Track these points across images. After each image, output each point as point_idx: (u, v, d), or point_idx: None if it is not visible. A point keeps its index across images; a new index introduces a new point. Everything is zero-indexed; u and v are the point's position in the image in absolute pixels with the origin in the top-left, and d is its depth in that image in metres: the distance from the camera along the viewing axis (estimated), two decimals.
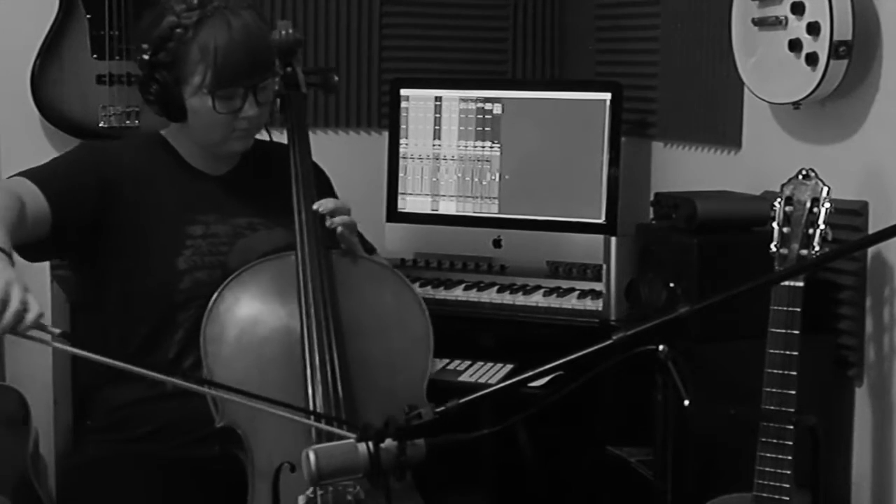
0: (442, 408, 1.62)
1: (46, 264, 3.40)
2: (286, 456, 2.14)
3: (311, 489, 2.09)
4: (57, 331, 2.02)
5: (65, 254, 2.44)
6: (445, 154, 3.34)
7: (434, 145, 3.35)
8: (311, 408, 2.16)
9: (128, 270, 2.35)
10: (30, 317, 1.95)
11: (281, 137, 2.54)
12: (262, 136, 2.52)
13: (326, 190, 2.54)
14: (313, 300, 2.25)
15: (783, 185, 2.29)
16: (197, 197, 2.40)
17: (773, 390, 2.22)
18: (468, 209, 3.32)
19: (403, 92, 3.37)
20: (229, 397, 2.08)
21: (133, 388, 2.33)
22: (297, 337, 2.23)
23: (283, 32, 2.51)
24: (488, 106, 3.30)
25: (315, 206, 2.36)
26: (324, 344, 2.21)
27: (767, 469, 2.21)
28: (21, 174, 2.28)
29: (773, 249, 2.27)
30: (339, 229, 2.36)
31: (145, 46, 2.32)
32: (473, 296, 3.16)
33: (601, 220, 3.18)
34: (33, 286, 3.36)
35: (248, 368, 2.20)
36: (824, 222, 2.24)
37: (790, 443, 2.20)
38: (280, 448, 2.16)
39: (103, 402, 2.40)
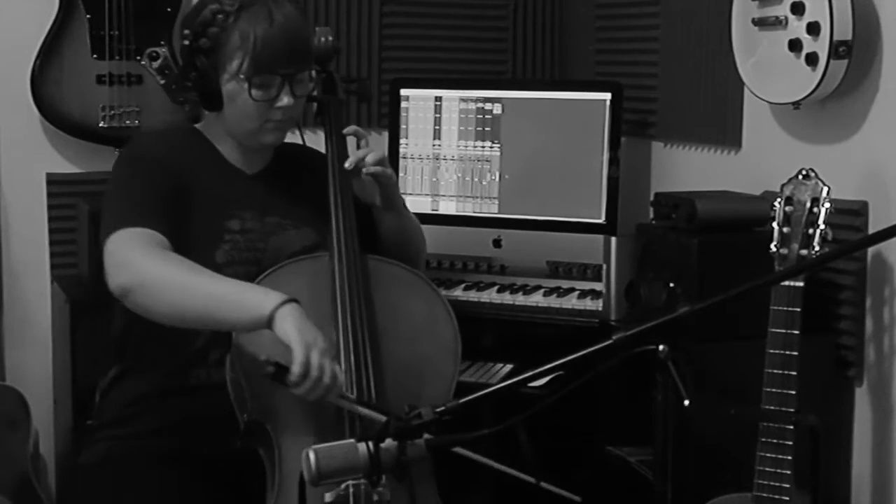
0: (442, 408, 1.62)
1: (47, 264, 3.41)
2: None
3: (343, 486, 2.08)
4: (352, 397, 2.13)
5: None
6: (445, 154, 3.34)
7: (434, 145, 3.35)
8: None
9: None
10: (336, 390, 2.07)
11: (314, 141, 2.56)
12: (296, 139, 2.53)
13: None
14: (349, 299, 2.25)
15: (783, 185, 2.29)
16: (234, 192, 2.41)
17: (773, 390, 2.22)
18: (468, 209, 3.32)
19: (403, 92, 3.37)
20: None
21: (154, 378, 2.33)
22: (330, 339, 2.22)
23: (323, 39, 2.54)
24: (488, 106, 3.30)
25: (346, 165, 2.40)
26: (359, 343, 2.22)
27: (767, 469, 2.22)
28: (123, 226, 2.22)
29: (773, 249, 2.27)
30: (373, 168, 2.40)
31: (186, 32, 2.34)
32: (473, 296, 3.16)
33: (601, 220, 3.17)
34: (33, 286, 3.41)
35: None
36: (824, 222, 2.24)
37: (790, 443, 2.20)
38: (310, 444, 2.15)
39: (119, 395, 2.39)
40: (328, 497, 2.09)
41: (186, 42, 2.34)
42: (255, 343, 2.15)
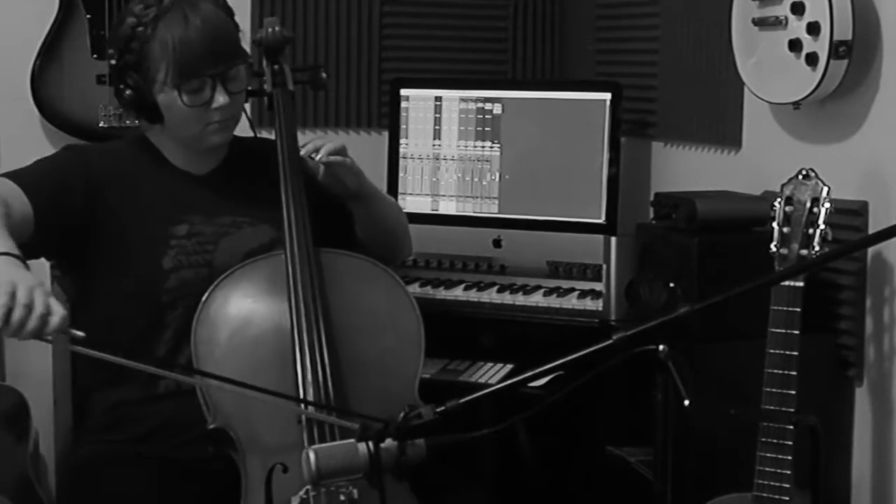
0: (442, 408, 1.62)
1: (47, 264, 3.41)
2: (278, 457, 2.15)
3: (303, 490, 2.09)
4: (80, 334, 2.01)
5: (48, 256, 2.43)
6: (445, 154, 3.34)
7: (434, 145, 3.35)
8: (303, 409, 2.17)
9: (114, 271, 2.34)
10: (54, 320, 1.95)
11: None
12: (248, 133, 2.52)
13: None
14: (303, 299, 2.24)
15: (783, 185, 2.29)
16: (181, 197, 2.39)
17: (773, 390, 2.22)
18: (468, 209, 3.32)
19: (403, 92, 3.37)
20: (225, 387, 2.09)
21: (127, 389, 2.34)
22: (288, 337, 2.22)
23: (270, 30, 2.49)
24: (488, 106, 3.30)
25: (302, 153, 2.39)
26: (314, 344, 2.21)
27: (767, 469, 2.22)
28: (5, 175, 2.27)
29: (773, 249, 2.27)
30: (327, 158, 2.39)
31: (111, 51, 2.33)
32: (473, 296, 3.16)
33: (601, 220, 3.17)
34: None
35: (240, 369, 2.18)
36: (824, 222, 2.24)
37: (790, 443, 2.20)
38: (272, 449, 2.16)
39: (99, 403, 2.41)
40: (294, 501, 2.10)
41: (113, 61, 2.32)
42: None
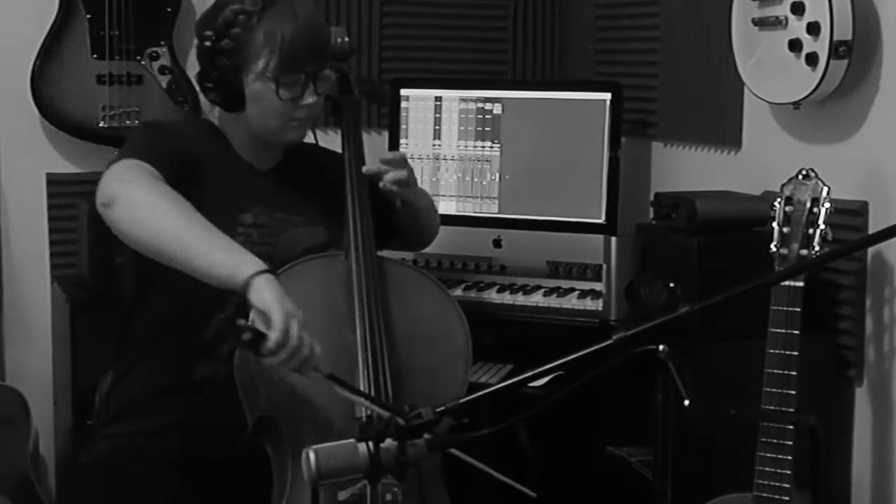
0: (442, 408, 1.62)
1: (47, 264, 3.41)
2: None
3: (358, 485, 2.07)
4: (326, 372, 2.04)
5: None
6: (445, 154, 3.34)
7: (434, 145, 3.35)
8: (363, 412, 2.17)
9: None
10: (314, 363, 2.02)
11: (327, 141, 2.57)
12: (309, 138, 2.53)
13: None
14: (367, 303, 2.26)
15: (783, 185, 2.29)
16: (245, 187, 2.41)
17: (773, 390, 2.22)
18: (468, 209, 3.32)
19: (403, 92, 3.37)
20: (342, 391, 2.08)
21: (157, 375, 2.32)
22: (344, 338, 2.23)
23: (339, 40, 2.53)
24: (488, 106, 3.30)
25: (364, 170, 2.41)
26: (377, 349, 2.22)
27: (767, 469, 2.22)
28: (132, 157, 2.20)
29: (773, 249, 2.27)
30: (391, 187, 2.41)
31: (208, 33, 2.32)
32: (473, 296, 3.16)
33: (601, 220, 3.17)
34: (33, 286, 3.41)
35: None
36: (824, 222, 2.24)
37: (790, 443, 2.21)
38: (322, 441, 2.14)
39: (121, 393, 2.37)
40: (342, 496, 2.08)
41: (208, 43, 2.33)
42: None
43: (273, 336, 1.97)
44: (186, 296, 2.22)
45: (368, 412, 2.14)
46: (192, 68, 2.62)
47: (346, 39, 2.55)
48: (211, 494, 2.26)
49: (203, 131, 2.45)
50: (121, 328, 2.39)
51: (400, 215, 2.56)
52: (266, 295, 1.99)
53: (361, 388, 2.18)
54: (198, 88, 2.43)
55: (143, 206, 2.11)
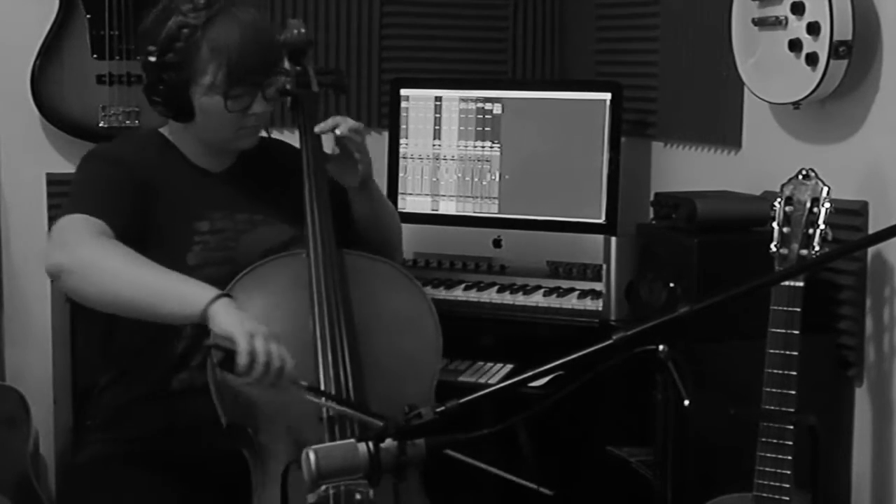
0: (442, 408, 1.62)
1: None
2: (295, 455, 2.14)
3: (322, 487, 2.08)
4: (305, 383, 2.09)
5: None
6: (445, 154, 3.34)
7: (434, 145, 3.35)
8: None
9: None
10: (288, 370, 2.04)
11: (291, 138, 2.55)
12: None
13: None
14: (326, 299, 2.24)
15: (783, 185, 2.29)
16: (202, 194, 2.40)
17: (773, 390, 2.22)
18: (468, 209, 3.32)
19: (403, 92, 3.37)
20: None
21: (138, 385, 2.33)
22: (308, 335, 2.22)
23: (295, 31, 2.50)
24: (488, 106, 3.30)
25: (316, 130, 2.39)
26: (336, 342, 2.21)
27: (767, 469, 2.21)
28: (70, 211, 2.23)
29: (773, 249, 2.27)
30: (346, 132, 2.38)
31: (152, 48, 2.30)
32: (473, 296, 3.16)
33: (601, 220, 3.17)
34: (33, 286, 3.41)
35: None
36: (824, 222, 2.24)
37: (790, 443, 2.20)
38: (291, 447, 2.16)
39: (108, 401, 2.40)
40: (311, 498, 2.09)
41: (153, 58, 2.30)
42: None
43: (240, 361, 2.00)
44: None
45: (331, 412, 2.15)
46: None
47: (303, 31, 2.51)
48: (198, 494, 2.27)
49: (152, 146, 2.43)
50: (101, 341, 2.39)
51: (357, 208, 2.53)
52: (223, 320, 2.03)
53: (321, 384, 2.17)
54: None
55: (89, 273, 2.13)
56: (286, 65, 2.50)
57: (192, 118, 2.34)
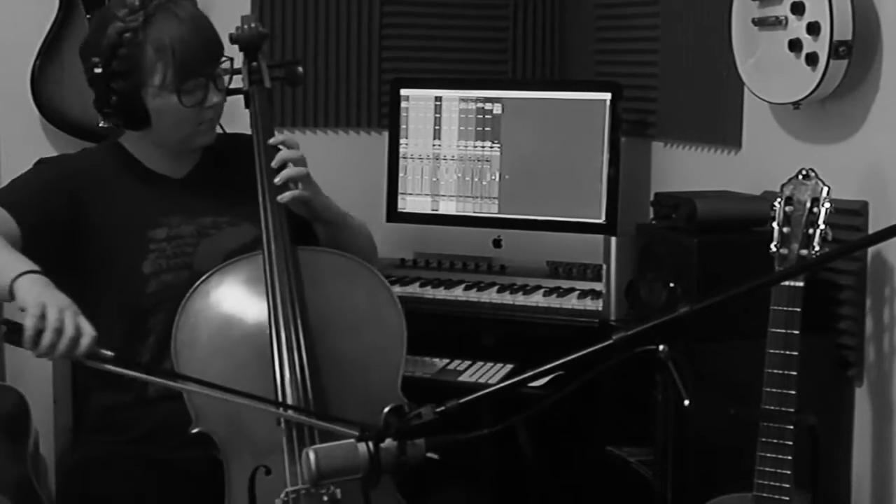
0: (442, 408, 1.62)
1: None
2: (261, 459, 2.16)
3: (284, 493, 2.09)
4: (109, 354, 2.04)
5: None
6: (445, 154, 3.34)
7: (434, 145, 3.35)
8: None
9: (95, 279, 2.33)
10: (84, 342, 1.99)
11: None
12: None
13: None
14: (280, 299, 2.23)
15: (783, 185, 2.29)
16: (159, 201, 2.38)
17: (773, 390, 2.22)
18: (468, 209, 3.33)
19: (403, 92, 3.37)
20: (207, 392, 2.10)
21: (121, 393, 2.34)
22: (268, 338, 2.22)
23: (248, 27, 2.46)
24: (488, 106, 3.30)
25: (271, 142, 2.36)
26: (292, 344, 2.20)
27: (767, 469, 2.21)
28: None
29: (773, 249, 2.27)
30: (286, 197, 2.33)
31: (96, 59, 2.28)
32: (473, 296, 3.16)
33: (601, 220, 3.18)
34: None
35: (221, 372, 2.18)
36: (824, 222, 2.24)
37: (790, 443, 2.20)
38: (254, 452, 2.17)
39: (95, 405, 2.41)
40: (278, 502, 2.10)
41: (98, 70, 2.28)
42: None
43: (27, 323, 1.98)
44: (116, 324, 2.28)
45: (283, 420, 2.15)
46: None
47: (254, 25, 2.47)
48: (191, 495, 2.28)
49: (110, 157, 2.42)
50: None
51: (321, 242, 2.50)
52: (22, 295, 2.02)
53: (276, 383, 2.17)
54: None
55: None
56: (240, 62, 2.47)
57: (149, 124, 2.32)
